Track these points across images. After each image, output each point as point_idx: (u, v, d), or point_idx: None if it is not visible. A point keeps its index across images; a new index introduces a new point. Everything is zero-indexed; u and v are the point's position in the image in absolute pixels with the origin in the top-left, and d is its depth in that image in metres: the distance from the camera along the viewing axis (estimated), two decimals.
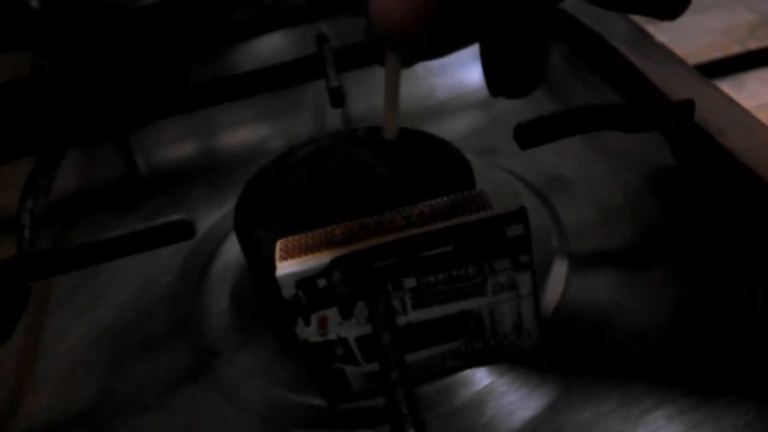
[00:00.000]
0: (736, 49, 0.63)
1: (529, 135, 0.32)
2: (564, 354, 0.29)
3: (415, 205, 0.27)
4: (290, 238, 0.26)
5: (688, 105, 0.33)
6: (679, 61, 0.42)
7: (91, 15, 0.53)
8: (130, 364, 0.33)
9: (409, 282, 0.26)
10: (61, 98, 0.51)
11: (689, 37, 0.62)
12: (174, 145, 0.49)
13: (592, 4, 0.22)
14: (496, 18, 0.19)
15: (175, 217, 0.30)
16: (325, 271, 0.25)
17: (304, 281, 0.25)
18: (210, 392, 0.31)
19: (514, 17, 0.19)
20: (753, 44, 0.64)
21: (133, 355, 0.34)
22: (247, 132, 0.49)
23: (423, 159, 0.34)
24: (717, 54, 0.62)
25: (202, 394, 0.31)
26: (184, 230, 0.31)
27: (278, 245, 0.26)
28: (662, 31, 0.62)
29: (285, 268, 0.25)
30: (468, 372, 0.29)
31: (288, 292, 0.25)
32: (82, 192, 0.46)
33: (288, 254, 0.25)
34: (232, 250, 0.37)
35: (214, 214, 0.41)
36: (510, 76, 0.24)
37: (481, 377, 0.29)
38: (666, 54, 0.43)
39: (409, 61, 0.21)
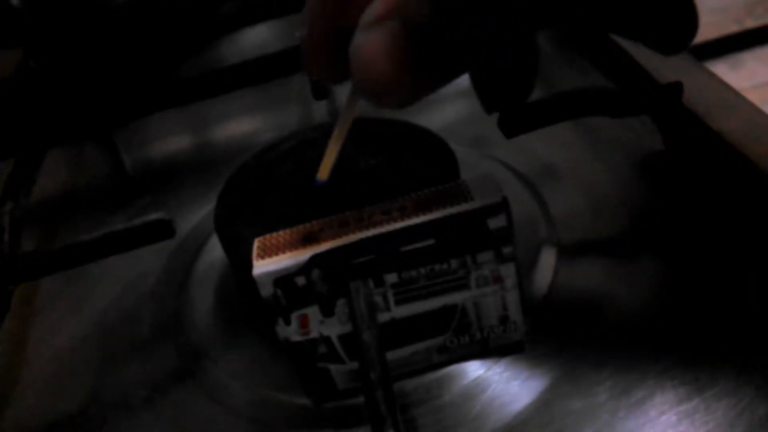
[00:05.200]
0: (733, 28, 0.63)
1: (513, 123, 0.31)
2: (553, 345, 0.29)
3: (396, 199, 0.26)
4: (268, 236, 0.26)
5: (677, 88, 0.33)
6: None
7: (76, 11, 0.53)
8: (117, 366, 0.33)
9: (391, 277, 0.25)
10: (47, 97, 0.50)
11: None
12: (159, 142, 0.48)
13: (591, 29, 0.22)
14: (478, 53, 0.18)
15: (154, 216, 0.30)
16: (304, 268, 0.24)
17: (282, 280, 0.24)
18: (197, 393, 0.30)
19: (497, 51, 0.18)
20: (750, 23, 0.63)
21: (119, 357, 0.33)
22: (234, 126, 0.49)
23: (408, 150, 0.34)
24: (715, 33, 0.62)
25: (188, 395, 0.31)
26: (164, 229, 0.30)
27: (256, 244, 0.26)
28: None
29: (262, 267, 0.24)
30: (457, 366, 0.28)
31: (266, 291, 0.25)
32: (67, 192, 0.46)
33: (265, 253, 0.25)
34: (216, 248, 0.36)
35: (200, 211, 0.41)
36: (502, 94, 0.24)
37: (469, 370, 0.28)
38: None
39: (401, 104, 0.20)
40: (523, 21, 0.16)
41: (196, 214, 0.40)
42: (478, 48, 0.16)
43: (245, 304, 0.34)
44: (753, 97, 0.40)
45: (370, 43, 0.16)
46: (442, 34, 0.16)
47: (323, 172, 0.26)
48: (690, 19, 0.19)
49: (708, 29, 0.63)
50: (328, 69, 0.20)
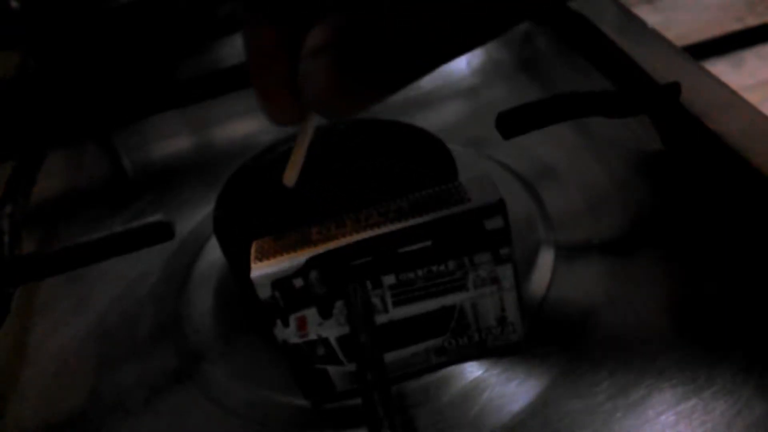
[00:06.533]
0: (734, 25, 0.62)
1: (511, 124, 0.31)
2: (551, 345, 0.29)
3: (393, 201, 0.26)
4: (266, 238, 0.26)
5: (674, 88, 0.33)
6: (667, 43, 0.41)
7: (75, 13, 0.53)
8: (116, 368, 0.33)
9: (389, 279, 0.25)
10: (47, 99, 0.50)
11: (687, 15, 0.62)
12: (159, 144, 0.48)
13: None
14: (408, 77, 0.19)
15: (153, 218, 0.30)
16: (302, 270, 0.24)
17: (279, 282, 0.24)
18: (195, 395, 0.30)
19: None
20: (752, 20, 0.63)
21: (119, 358, 0.33)
22: (233, 128, 0.49)
23: (406, 151, 0.34)
24: (716, 31, 0.61)
25: (187, 397, 0.31)
26: (163, 231, 0.30)
27: (253, 246, 0.26)
28: (659, 10, 0.61)
29: (260, 269, 0.24)
30: (455, 367, 0.28)
31: (264, 293, 0.25)
32: (66, 193, 0.46)
33: (263, 255, 0.25)
34: (216, 249, 0.36)
35: (200, 212, 0.41)
36: None
37: (468, 372, 0.28)
38: (654, 36, 0.42)
39: (346, 116, 0.21)
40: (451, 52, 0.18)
41: (196, 215, 0.41)
42: (406, 73, 0.19)
43: (244, 306, 0.34)
44: (754, 95, 0.40)
45: (312, 72, 0.19)
46: (376, 64, 0.18)
47: (288, 179, 0.25)
48: None
49: (709, 27, 0.63)
50: (286, 108, 0.22)
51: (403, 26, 0.17)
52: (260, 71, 0.21)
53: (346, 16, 0.18)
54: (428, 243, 0.25)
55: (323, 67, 0.18)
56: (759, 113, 0.34)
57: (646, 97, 0.34)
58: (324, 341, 0.26)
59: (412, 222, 0.25)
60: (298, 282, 0.25)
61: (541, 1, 0.19)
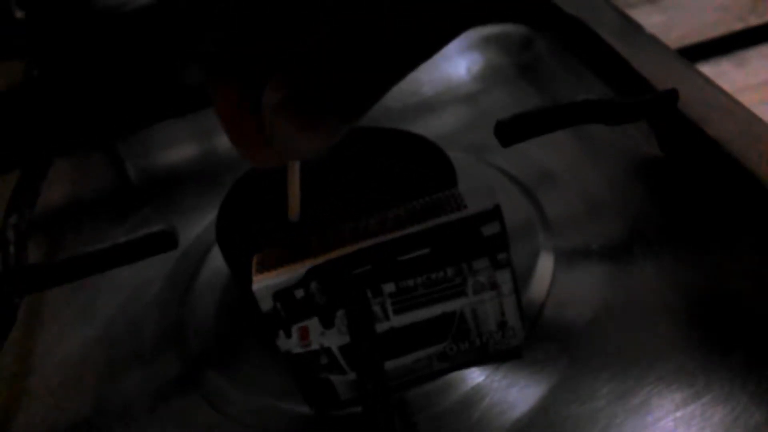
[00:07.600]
0: (737, 25, 0.62)
1: (509, 132, 0.32)
2: (551, 351, 0.29)
3: (390, 209, 0.26)
4: (266, 251, 0.26)
5: (672, 94, 0.33)
6: (665, 48, 0.41)
7: (78, 21, 0.53)
8: (121, 376, 0.33)
9: (389, 287, 0.26)
10: (52, 108, 0.50)
11: (690, 16, 0.62)
12: (163, 152, 0.49)
13: None
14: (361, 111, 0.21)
15: (156, 228, 0.30)
16: (302, 281, 0.25)
17: (281, 293, 0.25)
18: (199, 402, 0.31)
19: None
20: (754, 20, 0.63)
21: (124, 367, 0.34)
22: None
23: (405, 158, 0.34)
24: (718, 31, 0.61)
25: (191, 404, 0.31)
26: (167, 241, 0.30)
27: (254, 259, 0.26)
28: (662, 10, 0.61)
29: (261, 281, 0.25)
30: (455, 373, 0.29)
31: (266, 305, 0.25)
32: (71, 202, 0.46)
33: (264, 267, 0.25)
34: (219, 257, 0.37)
35: (204, 220, 0.41)
36: None
37: (468, 378, 0.29)
38: (652, 41, 0.42)
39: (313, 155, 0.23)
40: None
41: (200, 222, 0.41)
42: (358, 109, 0.21)
43: (248, 313, 0.34)
44: (757, 95, 0.40)
45: (275, 124, 0.21)
46: (323, 103, 0.20)
47: (293, 212, 0.26)
48: None
49: (712, 27, 0.63)
50: (268, 157, 0.24)
51: (333, 67, 0.20)
52: (236, 133, 0.23)
53: (289, 68, 0.20)
54: (426, 250, 0.25)
55: (283, 118, 0.21)
56: (757, 118, 0.34)
57: (645, 104, 0.34)
58: (326, 351, 0.26)
59: (410, 230, 0.25)
60: (299, 293, 0.25)
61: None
